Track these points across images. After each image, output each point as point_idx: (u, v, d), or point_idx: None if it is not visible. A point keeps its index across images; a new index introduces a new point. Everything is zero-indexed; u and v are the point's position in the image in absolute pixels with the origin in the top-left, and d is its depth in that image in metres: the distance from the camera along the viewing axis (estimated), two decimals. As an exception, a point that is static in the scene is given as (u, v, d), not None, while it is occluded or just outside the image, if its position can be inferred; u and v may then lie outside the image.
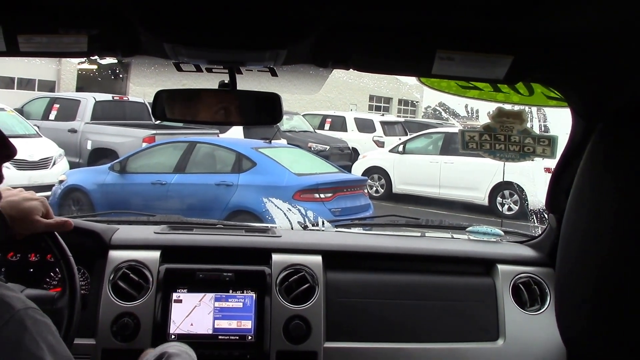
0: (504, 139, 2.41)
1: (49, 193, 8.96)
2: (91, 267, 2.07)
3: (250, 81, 1.63)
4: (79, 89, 19.82)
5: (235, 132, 12.11)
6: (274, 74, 1.60)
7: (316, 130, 17.52)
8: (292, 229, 2.72)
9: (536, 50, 1.30)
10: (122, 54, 1.42)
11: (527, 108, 2.36)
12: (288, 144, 12.95)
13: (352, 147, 16.48)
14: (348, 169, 13.52)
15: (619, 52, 1.21)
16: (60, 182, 8.85)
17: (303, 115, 18.36)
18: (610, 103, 1.28)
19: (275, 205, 2.78)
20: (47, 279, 2.04)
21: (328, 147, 15.74)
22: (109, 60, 1.53)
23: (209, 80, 1.64)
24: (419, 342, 2.14)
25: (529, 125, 2.41)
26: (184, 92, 1.62)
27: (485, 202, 11.66)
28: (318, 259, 2.18)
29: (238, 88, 1.58)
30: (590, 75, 1.31)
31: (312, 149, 14.78)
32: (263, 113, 1.64)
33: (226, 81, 1.59)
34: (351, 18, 1.31)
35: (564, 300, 0.93)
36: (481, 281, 2.27)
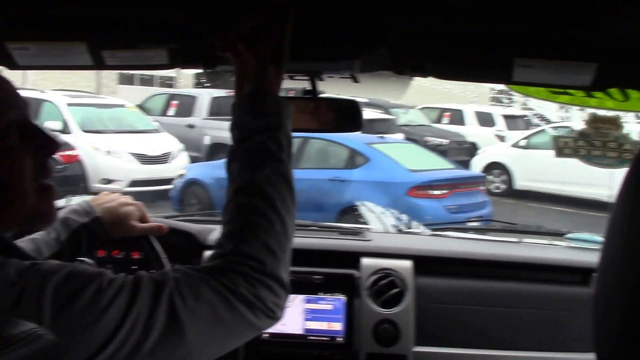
0: (601, 144, 2.28)
1: (170, 186, 9.49)
2: (188, 265, 2.16)
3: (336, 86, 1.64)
4: (197, 84, 20.59)
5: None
6: (355, 80, 1.61)
7: (434, 124, 17.24)
8: (386, 232, 2.71)
9: (622, 57, 1.23)
10: (204, 66, 1.48)
11: (623, 114, 2.22)
12: (405, 138, 12.86)
13: (472, 142, 16.09)
14: (467, 164, 13.25)
15: None
16: (180, 176, 9.31)
17: (420, 109, 18.13)
18: None
19: (369, 209, 2.79)
20: (149, 276, 2.17)
21: (446, 142, 15.48)
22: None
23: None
24: (509, 349, 2.09)
25: (626, 130, 2.26)
26: None
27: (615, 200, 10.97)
28: (408, 263, 2.17)
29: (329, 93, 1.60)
30: None
31: (429, 143, 14.59)
32: (344, 120, 1.65)
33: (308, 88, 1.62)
34: (423, 27, 1.30)
35: (599, 325, 0.87)
36: (578, 291, 2.17)
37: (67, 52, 1.37)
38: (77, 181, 9.58)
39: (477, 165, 13.65)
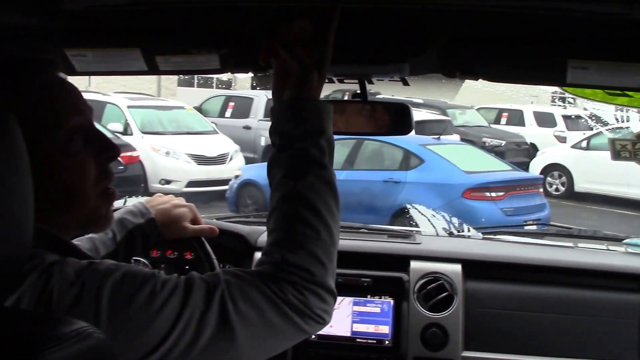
0: (660, 148, 2.18)
1: (226, 187, 9.61)
2: (239, 266, 2.21)
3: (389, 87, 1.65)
4: (254, 86, 20.77)
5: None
6: (405, 83, 1.61)
7: (491, 125, 16.92)
8: (437, 235, 2.69)
9: None
10: (254, 70, 1.50)
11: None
12: (461, 139, 12.67)
13: (531, 143, 15.71)
14: (526, 165, 12.97)
15: None
16: (236, 177, 9.42)
17: (477, 110, 17.81)
18: None
19: (419, 212, 2.77)
20: (202, 276, 2.21)
21: (504, 143, 15.17)
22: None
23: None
24: (560, 357, 2.05)
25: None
26: None
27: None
28: (457, 267, 2.15)
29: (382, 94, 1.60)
30: None
31: (487, 144, 14.34)
32: (394, 123, 1.64)
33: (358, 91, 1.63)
34: (472, 30, 1.29)
35: None
36: (635, 298, 2.10)
37: (122, 58, 1.43)
38: (138, 182, 9.83)
39: (536, 166, 13.34)
